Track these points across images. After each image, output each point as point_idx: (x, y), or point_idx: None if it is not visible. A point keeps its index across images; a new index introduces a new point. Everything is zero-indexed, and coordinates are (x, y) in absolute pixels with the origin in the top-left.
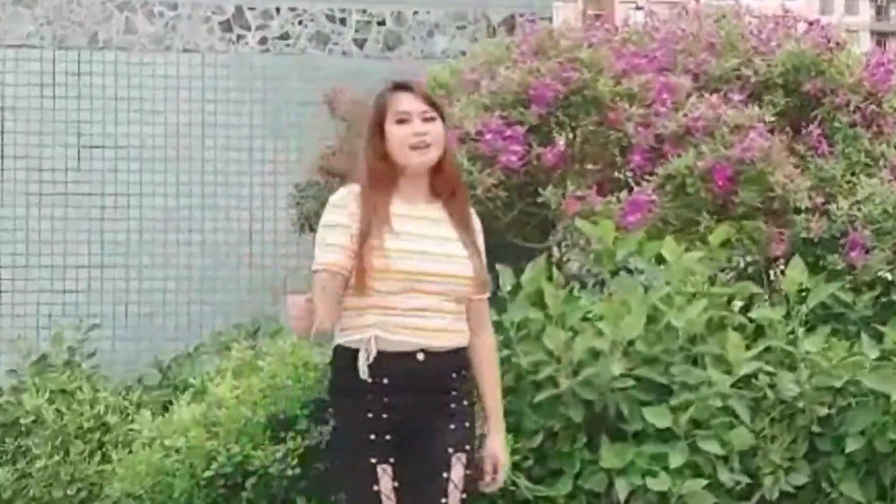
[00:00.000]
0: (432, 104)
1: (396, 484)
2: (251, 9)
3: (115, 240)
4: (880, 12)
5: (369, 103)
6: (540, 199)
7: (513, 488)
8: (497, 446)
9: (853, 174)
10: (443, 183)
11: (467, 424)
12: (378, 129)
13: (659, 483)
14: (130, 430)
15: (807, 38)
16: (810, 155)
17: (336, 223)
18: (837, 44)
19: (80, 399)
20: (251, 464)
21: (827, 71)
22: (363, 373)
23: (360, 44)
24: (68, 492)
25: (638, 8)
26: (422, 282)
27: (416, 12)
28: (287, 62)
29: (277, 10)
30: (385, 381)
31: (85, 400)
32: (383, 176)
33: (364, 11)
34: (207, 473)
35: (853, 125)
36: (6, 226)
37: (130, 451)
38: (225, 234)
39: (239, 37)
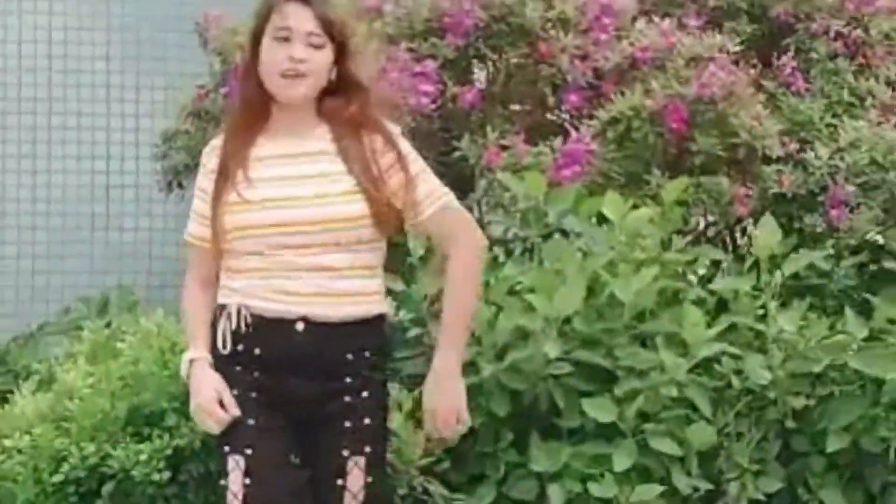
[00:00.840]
0: (327, 25)
1: (248, 480)
2: None
3: None
4: None
5: (244, 29)
6: (457, 151)
7: (424, 497)
8: (439, 362)
9: (834, 116)
10: (334, 110)
11: (368, 421)
12: (255, 45)
13: (602, 490)
14: None
15: None
16: (782, 92)
17: (197, 185)
18: None
19: None
20: (109, 466)
21: None
22: (220, 343)
23: None
24: None
25: None
26: (286, 234)
27: None
28: None
29: None
30: (257, 351)
31: None
32: (253, 108)
33: None
34: (56, 478)
35: (833, 56)
36: None
37: None
38: (76, 189)
39: None
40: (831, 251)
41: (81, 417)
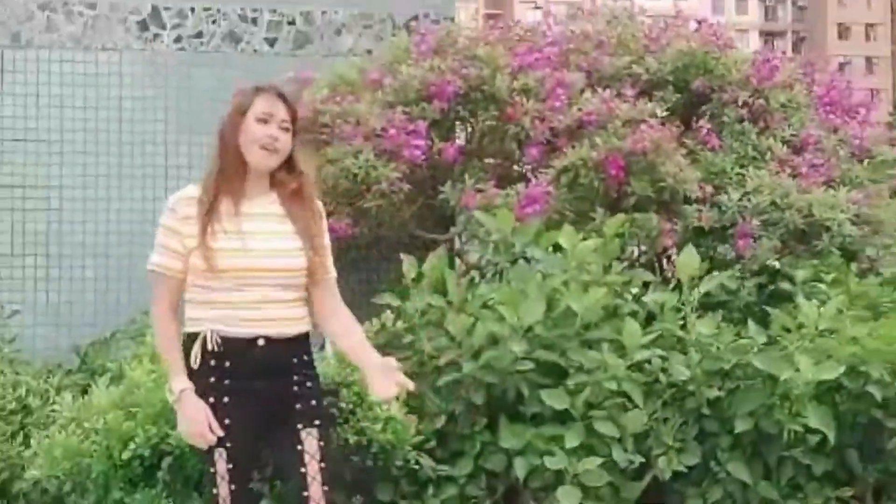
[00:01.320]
0: (293, 116)
1: (231, 466)
2: (167, 9)
3: (36, 230)
4: (769, 13)
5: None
6: (441, 194)
7: (416, 468)
8: (377, 358)
9: (742, 167)
10: (281, 181)
11: (313, 403)
12: (236, 123)
13: (556, 462)
14: (51, 412)
15: (696, 37)
16: (700, 148)
17: (169, 228)
18: (726, 43)
19: (3, 382)
20: (167, 445)
21: (715, 68)
22: (194, 361)
23: (271, 42)
24: None
25: (536, 7)
26: (254, 277)
27: (324, 12)
28: (201, 60)
29: (192, 9)
30: (227, 363)
31: (7, 383)
32: (233, 171)
33: (274, 11)
34: (125, 455)
35: (741, 120)
36: None
37: (47, 437)
38: (140, 225)
39: (155, 35)
40: (738, 274)
41: (145, 406)
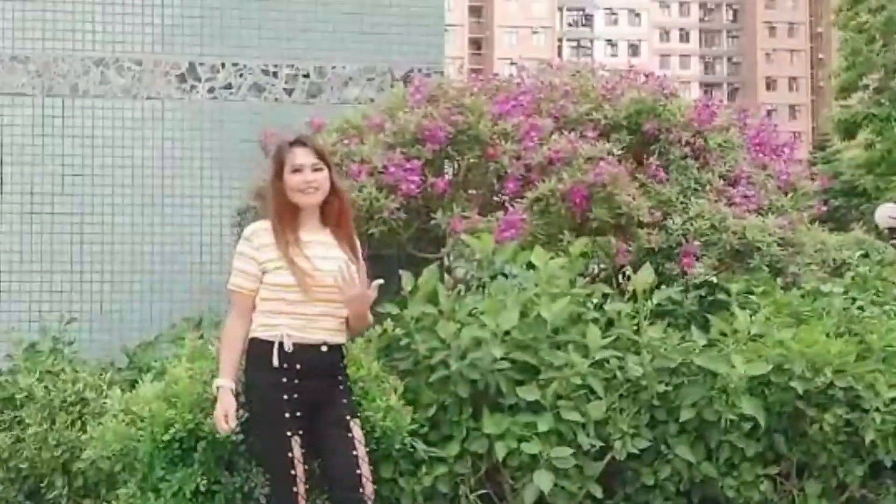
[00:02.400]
0: (321, 157)
1: (304, 450)
2: (201, 64)
3: (92, 251)
4: (707, 68)
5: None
6: (433, 220)
7: (412, 450)
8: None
9: (685, 196)
10: (329, 214)
11: (353, 399)
12: (279, 175)
13: (530, 447)
14: (104, 403)
15: (646, 87)
16: (650, 181)
17: (245, 254)
18: (671, 92)
19: (64, 379)
20: (202, 430)
21: (663, 114)
22: (276, 361)
23: (289, 92)
24: (54, 453)
25: (512, 63)
26: (323, 291)
27: (333, 67)
28: (230, 108)
29: (223, 65)
30: (298, 366)
31: (67, 379)
32: (287, 212)
33: (292, 66)
34: (166, 437)
35: (684, 157)
36: (4, 239)
37: (101, 424)
38: (180, 246)
39: (192, 87)
40: (682, 287)
41: (183, 397)
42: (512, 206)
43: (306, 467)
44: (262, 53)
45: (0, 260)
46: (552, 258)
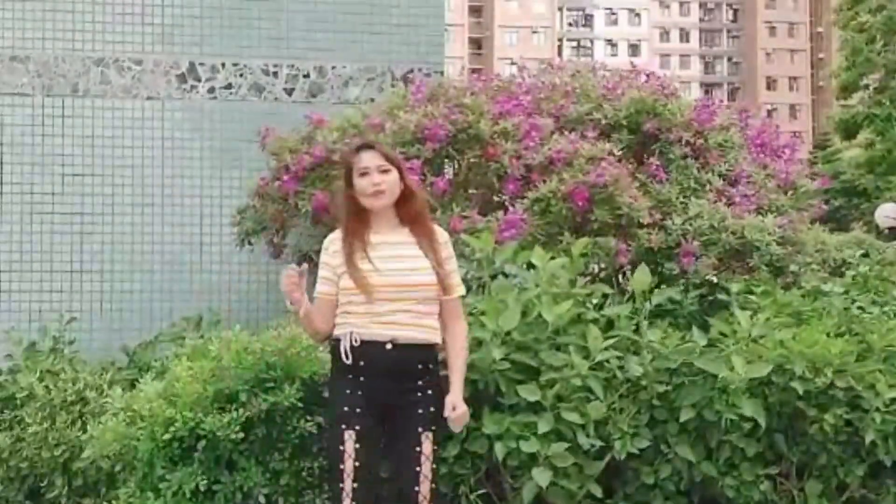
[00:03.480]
0: (388, 159)
1: (358, 446)
2: (201, 64)
3: (92, 250)
4: (708, 68)
5: (291, 140)
6: (433, 220)
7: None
8: (452, 397)
9: (685, 196)
10: (406, 213)
11: (432, 409)
12: (349, 181)
13: (530, 446)
14: (105, 402)
15: (646, 87)
16: (650, 181)
17: (324, 262)
18: (671, 92)
19: (64, 378)
20: (202, 429)
21: (663, 114)
22: (344, 356)
23: (290, 92)
24: (55, 453)
25: (513, 63)
26: (388, 291)
27: (334, 67)
28: (230, 107)
29: (223, 64)
30: (361, 363)
31: (68, 379)
32: (355, 217)
33: (292, 66)
34: (166, 437)
35: (684, 157)
36: (4, 238)
37: (101, 423)
38: (180, 246)
39: (192, 87)
40: (682, 287)
41: (183, 396)
42: (512, 206)
43: (357, 464)
44: (262, 53)
45: (0, 260)
46: (552, 258)
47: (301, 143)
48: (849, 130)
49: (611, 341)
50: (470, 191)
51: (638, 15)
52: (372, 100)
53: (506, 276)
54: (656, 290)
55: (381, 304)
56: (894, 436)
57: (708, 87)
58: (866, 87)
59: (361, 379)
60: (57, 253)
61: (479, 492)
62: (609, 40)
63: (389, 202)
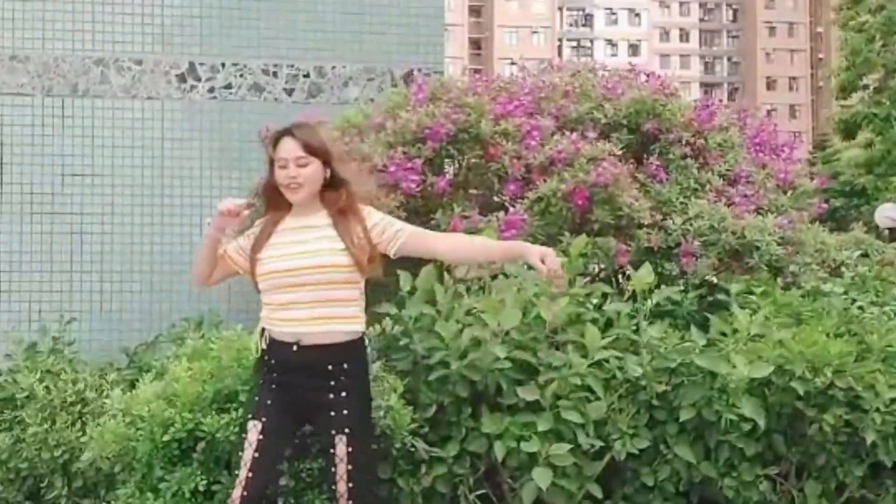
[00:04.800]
0: (309, 149)
1: (261, 437)
2: (201, 64)
3: (91, 251)
4: (707, 68)
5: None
6: (433, 220)
7: (412, 450)
8: (534, 247)
9: (685, 197)
10: (330, 203)
11: (346, 412)
12: (270, 170)
13: (529, 446)
14: (104, 403)
15: (647, 87)
16: (650, 181)
17: (246, 234)
18: (671, 92)
19: (64, 379)
20: (201, 430)
21: (663, 114)
22: (256, 351)
23: (290, 92)
24: (54, 454)
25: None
26: (289, 276)
27: (333, 67)
28: (230, 107)
29: (223, 65)
30: (273, 361)
31: (68, 379)
32: (275, 202)
33: (292, 66)
34: (165, 438)
35: (684, 157)
36: (4, 239)
37: (100, 424)
38: (179, 246)
39: (191, 87)
40: (682, 287)
41: (183, 397)
42: (513, 206)
43: (256, 455)
44: (262, 53)
45: (0, 259)
46: None
47: None
48: (848, 130)
49: (610, 340)
50: (470, 191)
51: (638, 15)
52: (372, 100)
53: (506, 275)
54: (655, 290)
55: (287, 292)
56: (894, 436)
57: (708, 88)
58: (865, 87)
59: (275, 374)
60: (56, 253)
61: (479, 492)
62: (609, 40)
63: (307, 195)
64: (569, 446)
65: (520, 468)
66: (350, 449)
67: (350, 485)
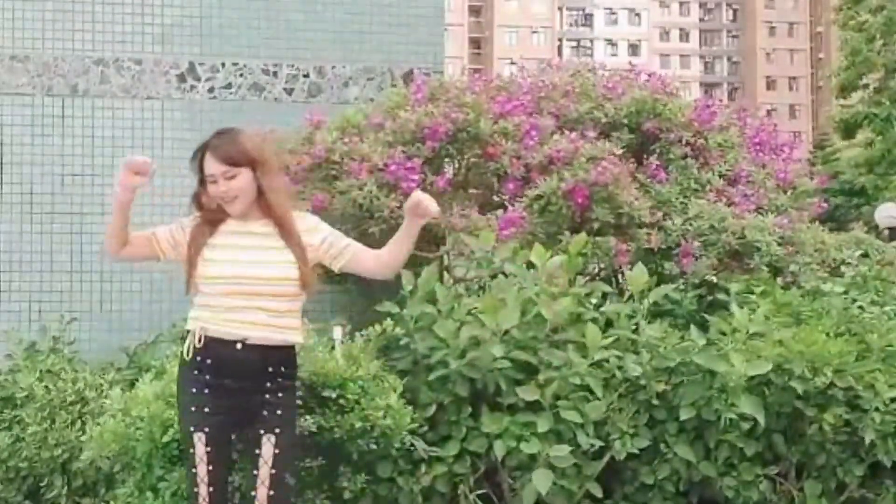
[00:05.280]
0: (232, 162)
1: (209, 448)
2: (201, 64)
3: (91, 250)
4: (708, 67)
5: (291, 141)
6: (433, 219)
7: (411, 449)
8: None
9: (685, 196)
10: (266, 210)
11: (279, 412)
12: (201, 183)
13: (529, 446)
14: (104, 403)
15: (647, 86)
16: (650, 181)
17: (177, 226)
18: (672, 92)
19: (64, 378)
20: None
21: (663, 113)
22: (186, 353)
23: (289, 92)
24: (54, 453)
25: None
26: (238, 284)
27: (333, 66)
28: (230, 107)
29: (223, 64)
30: (208, 361)
31: (67, 379)
32: (212, 210)
33: (292, 66)
34: (165, 438)
35: (684, 157)
36: (4, 239)
37: (100, 424)
38: None
39: (191, 86)
40: (681, 287)
41: None
42: (512, 205)
43: (210, 468)
44: (262, 53)
45: (0, 259)
46: (552, 257)
47: (301, 144)
48: (848, 130)
49: (609, 340)
50: (470, 190)
51: (638, 15)
52: (372, 100)
53: (505, 275)
54: (655, 290)
55: (230, 298)
56: (893, 436)
57: (708, 87)
58: (865, 86)
59: (207, 377)
60: (57, 253)
61: (479, 492)
62: (609, 40)
63: (244, 206)
64: (569, 447)
65: (520, 468)
66: (277, 451)
67: (271, 492)
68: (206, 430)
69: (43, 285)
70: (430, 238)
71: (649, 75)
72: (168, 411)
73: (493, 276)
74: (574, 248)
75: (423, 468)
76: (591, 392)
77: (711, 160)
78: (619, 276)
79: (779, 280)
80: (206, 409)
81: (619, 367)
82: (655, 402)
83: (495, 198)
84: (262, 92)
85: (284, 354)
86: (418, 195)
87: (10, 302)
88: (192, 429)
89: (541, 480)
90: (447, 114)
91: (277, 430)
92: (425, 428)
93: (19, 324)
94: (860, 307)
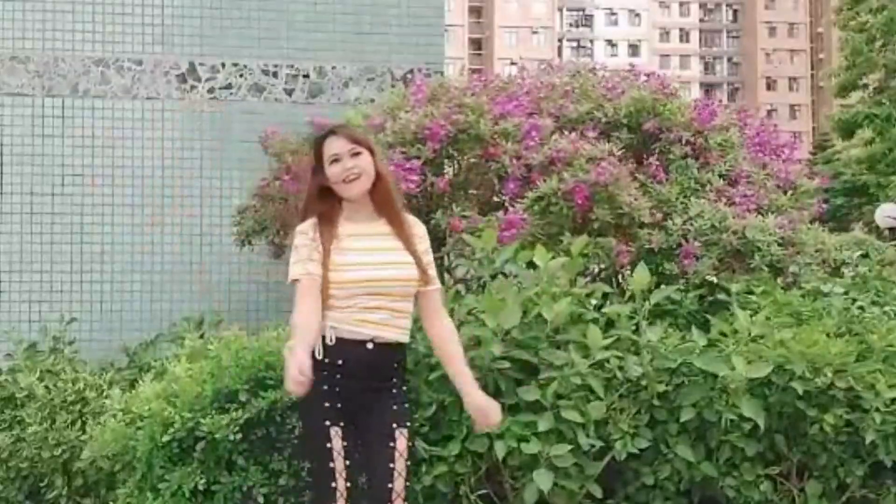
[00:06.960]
0: (356, 141)
1: (346, 443)
2: (201, 64)
3: (92, 251)
4: (708, 68)
5: (293, 142)
6: (433, 220)
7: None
8: (479, 398)
9: (685, 196)
10: (381, 203)
11: (406, 405)
12: (319, 168)
13: (530, 446)
14: (104, 403)
15: (646, 86)
16: (650, 181)
17: (303, 243)
18: (671, 92)
19: (64, 378)
20: (201, 430)
21: (663, 113)
22: (318, 353)
23: (289, 93)
24: (54, 453)
25: (513, 63)
26: (370, 287)
27: (334, 67)
28: (230, 108)
29: (223, 65)
30: (340, 362)
31: (68, 379)
32: (326, 206)
33: (292, 66)
34: (165, 438)
35: (684, 157)
36: (4, 240)
37: (100, 424)
38: (180, 246)
39: (192, 87)
40: (682, 287)
41: (182, 396)
42: (512, 206)
43: (348, 462)
44: (262, 53)
45: (0, 260)
46: (553, 258)
47: (302, 145)
48: (848, 130)
49: (610, 340)
50: (470, 191)
51: (638, 15)
52: (372, 100)
53: (506, 275)
54: (656, 291)
55: (361, 299)
56: (894, 436)
57: (708, 88)
58: (866, 86)
59: (338, 376)
60: (57, 254)
61: (480, 492)
62: (609, 40)
63: (367, 186)
64: (569, 447)
65: (521, 468)
66: (411, 444)
67: (407, 483)
68: (342, 424)
69: (44, 285)
70: (431, 238)
71: (649, 75)
72: (168, 410)
73: (494, 277)
74: (575, 249)
75: (425, 468)
76: (592, 392)
77: (711, 160)
78: (620, 276)
79: (779, 280)
80: (339, 405)
81: (620, 368)
82: (656, 402)
83: (496, 198)
84: (262, 92)
85: (403, 352)
86: (490, 411)
87: (10, 302)
88: (327, 423)
89: (542, 480)
90: (447, 115)
91: (407, 424)
92: (426, 428)
93: (20, 324)
94: (861, 307)
